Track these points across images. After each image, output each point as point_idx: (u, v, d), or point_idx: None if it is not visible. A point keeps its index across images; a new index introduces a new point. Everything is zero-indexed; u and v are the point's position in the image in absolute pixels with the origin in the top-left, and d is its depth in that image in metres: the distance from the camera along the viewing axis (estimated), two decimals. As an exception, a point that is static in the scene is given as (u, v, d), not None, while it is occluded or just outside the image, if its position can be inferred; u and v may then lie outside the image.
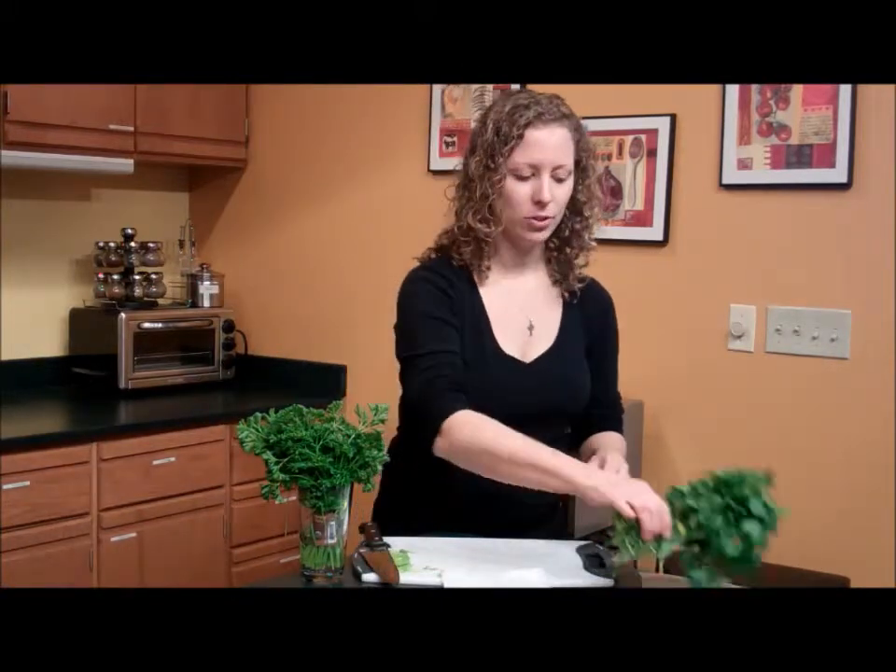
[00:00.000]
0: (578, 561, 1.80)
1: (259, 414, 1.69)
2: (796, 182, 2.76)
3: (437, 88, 3.38)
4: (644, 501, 1.63)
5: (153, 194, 3.88)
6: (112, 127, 3.29)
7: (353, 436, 1.65)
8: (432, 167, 3.40)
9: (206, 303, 3.73)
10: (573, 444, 2.04)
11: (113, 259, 3.56)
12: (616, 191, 3.05)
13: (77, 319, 3.58)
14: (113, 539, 2.99)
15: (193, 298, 3.73)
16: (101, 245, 3.57)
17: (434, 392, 1.84)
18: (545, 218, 1.91)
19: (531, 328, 1.99)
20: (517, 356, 1.96)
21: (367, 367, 3.57)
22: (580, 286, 2.03)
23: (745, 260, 2.86)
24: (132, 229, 3.56)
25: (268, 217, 3.84)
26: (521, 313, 1.99)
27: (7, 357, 3.42)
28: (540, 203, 1.88)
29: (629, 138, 3.02)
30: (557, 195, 1.90)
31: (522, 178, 1.89)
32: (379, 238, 3.53)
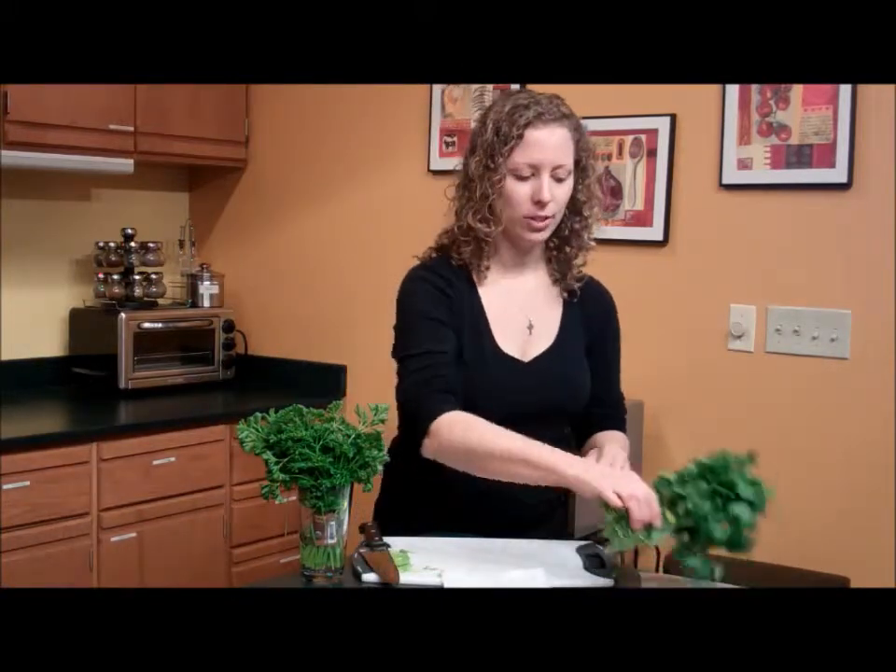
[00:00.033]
0: (578, 561, 1.80)
1: (259, 414, 1.69)
2: (796, 182, 2.76)
3: (437, 88, 3.38)
4: (632, 490, 1.64)
5: (153, 194, 3.88)
6: (112, 127, 3.29)
7: (353, 436, 1.65)
8: (432, 167, 3.40)
9: (206, 303, 3.73)
10: (576, 444, 2.04)
11: (113, 259, 3.55)
12: (616, 191, 3.05)
13: (77, 319, 3.58)
14: (113, 538, 2.99)
15: (193, 298, 3.73)
16: (101, 245, 3.57)
17: (424, 393, 1.84)
18: (545, 218, 1.91)
19: (531, 327, 1.99)
20: (516, 355, 1.96)
21: (367, 367, 3.57)
22: (578, 285, 2.03)
23: (745, 260, 2.86)
24: (132, 229, 3.56)
25: (268, 217, 3.84)
26: (520, 312, 1.99)
27: (7, 356, 3.42)
28: (540, 203, 1.88)
29: (629, 138, 3.02)
30: (557, 195, 1.90)
31: (522, 178, 1.89)
32: (379, 238, 3.53)
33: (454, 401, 1.84)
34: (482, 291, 1.98)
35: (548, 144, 1.88)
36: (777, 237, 2.81)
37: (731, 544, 1.63)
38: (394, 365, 1.95)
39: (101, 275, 3.55)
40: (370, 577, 1.68)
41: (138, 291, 3.55)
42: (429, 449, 1.84)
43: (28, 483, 2.79)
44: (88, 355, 3.53)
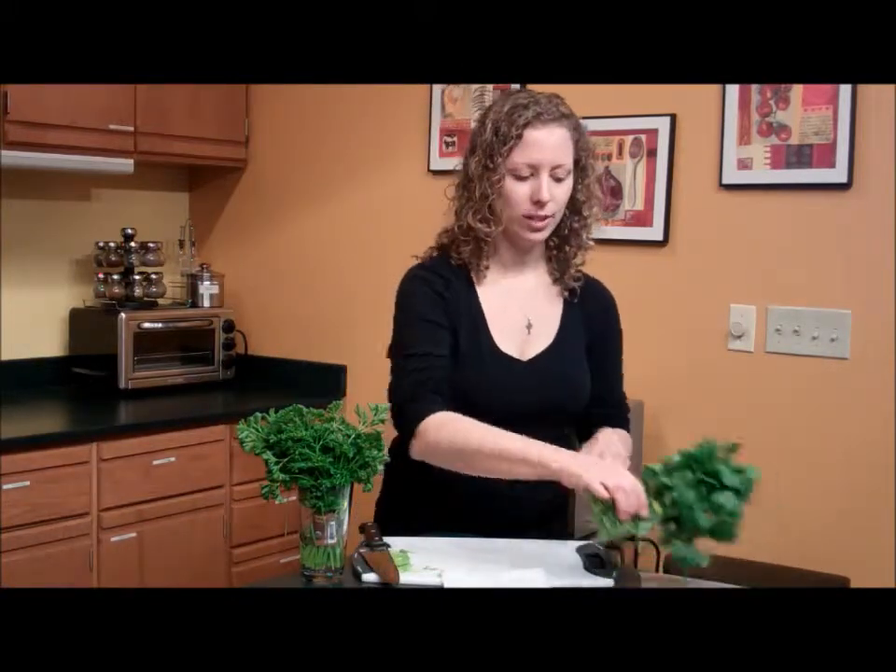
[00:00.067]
0: (578, 561, 1.80)
1: (259, 414, 1.69)
2: (796, 182, 2.76)
3: (437, 88, 3.38)
4: (618, 481, 1.65)
5: (153, 194, 3.88)
6: (112, 127, 3.29)
7: (353, 436, 1.65)
8: (432, 167, 3.40)
9: (206, 303, 3.73)
10: (579, 444, 2.03)
11: (113, 259, 3.55)
12: (616, 191, 3.05)
13: (77, 319, 3.58)
14: (113, 538, 2.99)
15: (193, 298, 3.73)
16: (101, 245, 3.57)
17: (416, 394, 1.85)
18: (544, 218, 1.91)
19: (529, 326, 1.99)
20: (515, 354, 1.96)
21: (367, 367, 3.57)
22: (577, 284, 2.03)
23: (745, 260, 2.86)
24: (132, 229, 3.55)
25: (268, 217, 3.84)
26: (519, 312, 1.99)
27: (7, 356, 3.42)
28: (539, 203, 1.89)
29: (629, 138, 3.02)
30: (556, 195, 1.90)
31: (521, 178, 1.89)
32: (379, 238, 3.53)
33: (442, 403, 1.85)
34: (480, 291, 1.98)
35: (547, 144, 1.88)
36: (777, 237, 2.81)
37: (716, 533, 1.64)
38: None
39: (101, 275, 3.55)
40: (370, 577, 1.68)
41: (138, 291, 3.55)
42: (416, 449, 1.85)
43: (28, 483, 2.79)
44: (88, 355, 3.53)
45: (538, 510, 2.01)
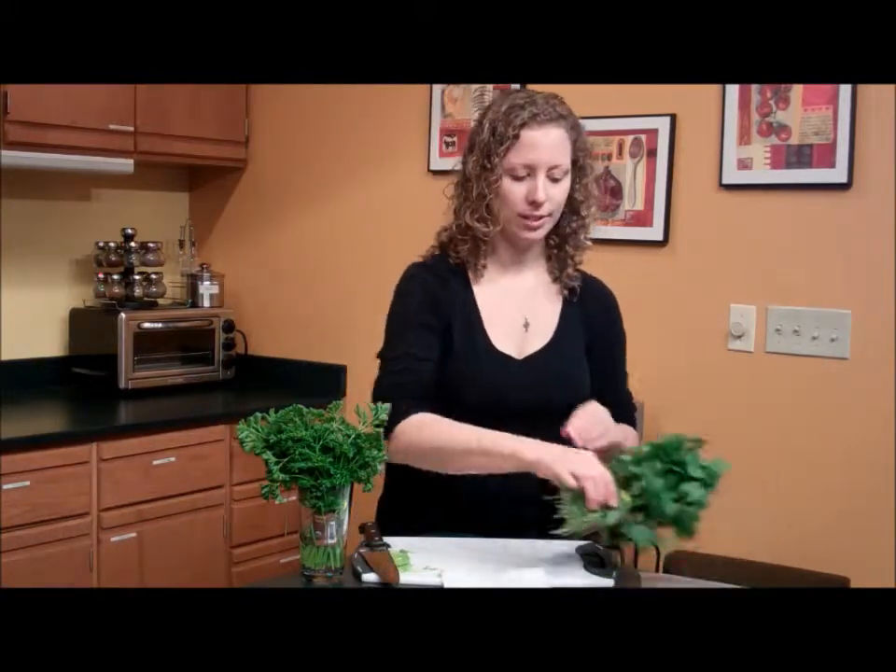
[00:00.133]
0: (578, 561, 1.80)
1: (259, 414, 1.68)
2: (796, 182, 2.76)
3: (437, 88, 3.38)
4: (587, 471, 1.68)
5: (153, 194, 3.88)
6: (112, 127, 3.29)
7: (353, 436, 1.65)
8: (432, 167, 3.40)
9: (206, 303, 3.73)
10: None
11: (113, 259, 3.55)
12: (616, 191, 3.05)
13: (77, 319, 3.58)
14: (113, 539, 2.99)
15: (193, 298, 3.73)
16: (101, 245, 3.57)
17: (392, 396, 1.85)
18: (540, 218, 1.91)
19: (527, 325, 1.99)
20: (512, 353, 1.96)
21: (367, 367, 3.54)
22: (574, 283, 2.03)
23: (745, 260, 2.86)
24: (132, 229, 3.55)
25: (268, 217, 3.84)
26: (517, 310, 1.99)
27: (7, 356, 3.42)
28: (535, 204, 1.89)
29: (629, 138, 3.02)
30: (553, 195, 1.90)
31: (517, 178, 1.89)
32: (379, 238, 3.53)
33: (420, 406, 1.87)
34: (477, 289, 1.99)
35: (543, 144, 1.88)
36: (777, 237, 2.81)
37: (679, 522, 1.67)
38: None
39: (101, 275, 3.55)
40: (370, 577, 1.68)
41: (138, 291, 3.55)
42: (392, 450, 1.85)
43: (28, 483, 2.79)
44: (88, 355, 3.53)
45: (538, 510, 2.00)
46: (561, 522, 1.70)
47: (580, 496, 1.67)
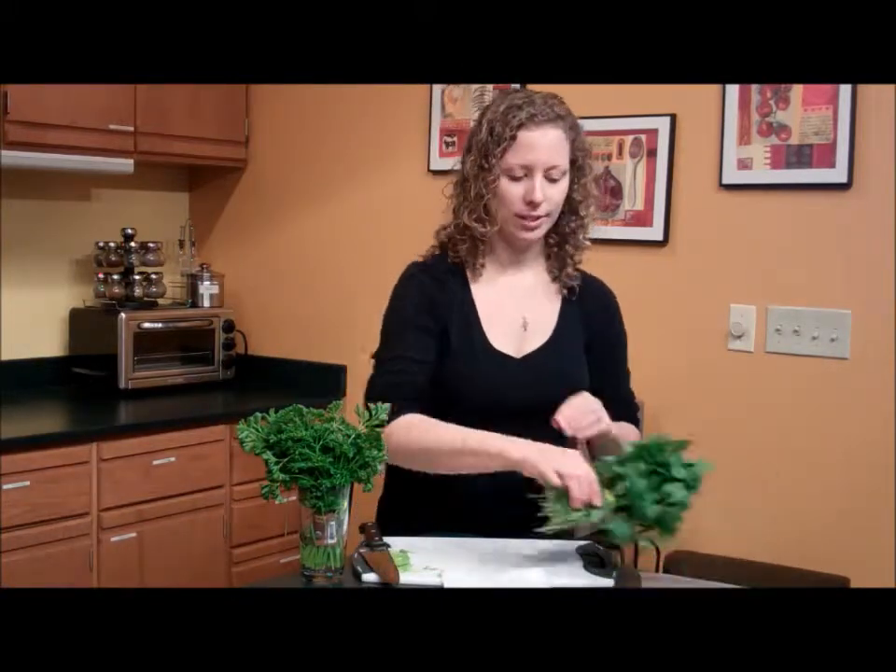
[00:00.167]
0: (578, 561, 1.80)
1: (259, 414, 1.68)
2: (796, 182, 2.76)
3: (437, 88, 3.38)
4: (571, 469, 1.69)
5: (153, 194, 3.88)
6: (112, 127, 3.29)
7: (353, 436, 1.65)
8: (432, 167, 3.40)
9: (206, 303, 3.73)
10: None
11: (113, 259, 3.55)
12: (616, 191, 3.05)
13: (77, 319, 3.58)
14: (113, 539, 2.99)
15: (193, 298, 3.73)
16: (101, 244, 3.57)
17: (384, 397, 1.84)
18: (537, 218, 1.91)
19: (525, 324, 1.99)
20: (510, 352, 1.97)
21: (367, 367, 3.55)
22: (574, 282, 2.03)
23: (745, 260, 2.86)
24: (132, 229, 3.55)
25: (268, 217, 3.84)
26: (515, 309, 1.99)
27: (7, 356, 3.42)
28: (532, 204, 1.89)
29: (629, 138, 3.02)
30: (551, 195, 1.90)
31: (515, 179, 1.90)
32: (379, 238, 3.53)
33: (411, 407, 1.87)
34: (476, 289, 1.99)
35: (540, 145, 1.88)
36: (777, 237, 2.81)
37: (661, 522, 1.69)
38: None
39: (101, 275, 3.55)
40: (370, 577, 1.68)
41: (138, 291, 3.55)
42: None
43: (28, 482, 2.79)
44: (88, 355, 3.53)
45: (538, 509, 2.00)
46: (545, 520, 1.71)
47: (564, 494, 1.69)
